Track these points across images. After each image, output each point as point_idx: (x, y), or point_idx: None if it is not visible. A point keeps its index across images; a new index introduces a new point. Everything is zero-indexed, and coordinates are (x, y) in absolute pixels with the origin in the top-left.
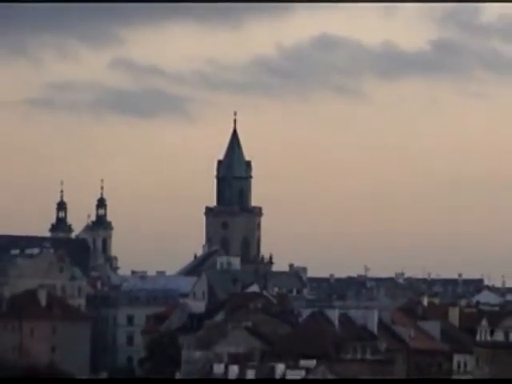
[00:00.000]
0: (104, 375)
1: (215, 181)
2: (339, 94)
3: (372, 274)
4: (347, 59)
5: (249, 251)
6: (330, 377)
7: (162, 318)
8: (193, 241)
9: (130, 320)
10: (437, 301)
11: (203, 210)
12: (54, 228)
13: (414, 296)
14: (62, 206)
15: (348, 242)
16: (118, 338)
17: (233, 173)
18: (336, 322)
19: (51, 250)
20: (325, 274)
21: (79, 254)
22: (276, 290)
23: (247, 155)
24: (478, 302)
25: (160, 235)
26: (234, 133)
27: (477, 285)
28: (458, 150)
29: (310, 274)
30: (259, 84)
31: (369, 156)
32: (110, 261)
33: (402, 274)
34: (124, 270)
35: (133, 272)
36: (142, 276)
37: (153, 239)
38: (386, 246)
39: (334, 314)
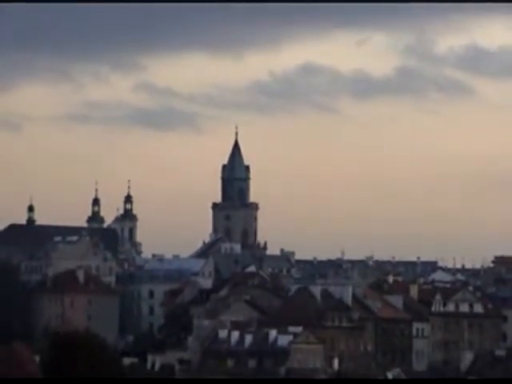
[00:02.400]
0: (130, 338)
1: (220, 181)
2: (320, 112)
3: (347, 257)
4: (326, 83)
5: (247, 239)
6: (312, 340)
7: (176, 292)
8: (202, 230)
9: (151, 294)
10: (400, 279)
11: (210, 205)
12: (89, 220)
13: (381, 275)
14: (96, 201)
15: (328, 231)
16: (141, 308)
17: (234, 175)
18: (318, 296)
19: (87, 238)
20: (309, 257)
21: (110, 240)
22: (269, 270)
23: (246, 160)
24: (433, 280)
25: (175, 225)
26: (236, 142)
27: (432, 266)
28: (416, 157)
29: (297, 257)
30: (255, 103)
31: (344, 161)
32: (135, 246)
33: (372, 257)
34: (146, 253)
35: (153, 255)
36: (161, 258)
37: (169, 228)
38: (358, 234)
39: (316, 290)
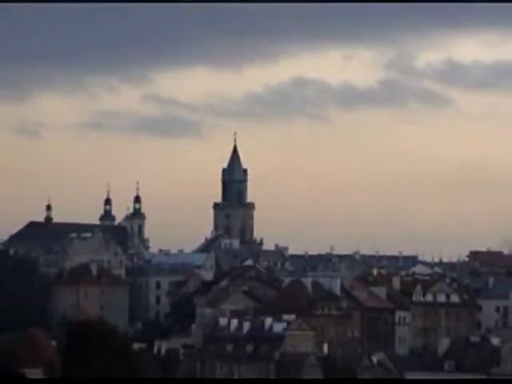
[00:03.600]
0: (139, 326)
1: (220, 183)
2: (311, 120)
3: (336, 252)
4: (316, 94)
5: (245, 235)
6: (304, 327)
7: (181, 284)
8: (204, 227)
9: (158, 286)
10: (383, 272)
11: (211, 205)
12: (102, 218)
13: (367, 268)
14: (108, 201)
15: (318, 228)
16: (149, 298)
17: (233, 177)
18: (309, 287)
19: (100, 234)
20: (301, 252)
21: (120, 237)
22: (265, 263)
23: (244, 164)
24: (413, 273)
25: (180, 223)
26: (234, 148)
27: (413, 260)
28: (397, 161)
29: (291, 251)
30: (252, 112)
31: (332, 165)
32: (143, 242)
33: (358, 251)
34: (153, 248)
35: (160, 250)
36: (167, 253)
37: (175, 226)
38: (346, 231)
39: (307, 282)
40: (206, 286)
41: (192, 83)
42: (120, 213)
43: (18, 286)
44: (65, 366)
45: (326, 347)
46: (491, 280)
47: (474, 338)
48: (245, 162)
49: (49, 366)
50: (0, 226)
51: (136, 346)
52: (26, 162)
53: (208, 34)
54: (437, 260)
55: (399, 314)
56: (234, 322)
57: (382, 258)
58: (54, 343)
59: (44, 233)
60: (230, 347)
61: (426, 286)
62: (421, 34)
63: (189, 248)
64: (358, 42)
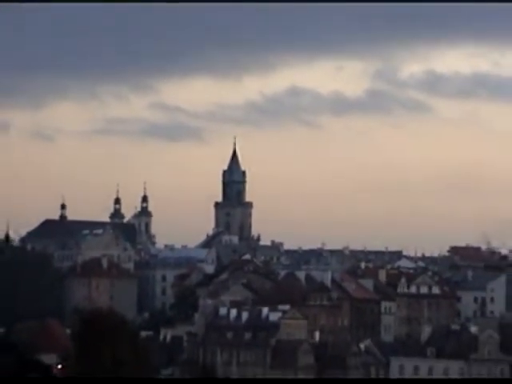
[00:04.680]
0: (146, 315)
1: (221, 184)
2: (304, 126)
3: (327, 247)
4: (309, 102)
5: (244, 232)
6: (298, 316)
7: (185, 277)
8: (206, 224)
9: (164, 278)
10: (370, 265)
11: (213, 204)
12: (112, 216)
13: (355, 262)
14: (117, 200)
15: (311, 225)
16: (156, 290)
17: (233, 178)
18: (303, 280)
19: (110, 231)
20: (295, 247)
21: (129, 233)
22: (262, 258)
23: (243, 166)
24: (398, 267)
25: (184, 220)
26: (234, 152)
27: (398, 255)
28: (384, 163)
29: (286, 247)
30: (250, 119)
31: (324, 167)
32: (150, 238)
33: (347, 247)
34: (159, 244)
35: (165, 245)
36: (172, 248)
37: (179, 223)
38: (336, 228)
39: (301, 275)
40: (208, 279)
41: (195, 92)
42: (129, 211)
43: (35, 279)
44: (78, 352)
45: (317, 335)
46: (470, 273)
47: (454, 327)
48: (243, 165)
49: (63, 352)
50: (18, 223)
51: (143, 333)
52: (42, 165)
53: (209, 46)
54: (420, 255)
55: (385, 304)
56: (234, 311)
57: (369, 252)
58: (67, 331)
59: (58, 230)
60: (229, 335)
61: (410, 278)
62: (405, 48)
63: (192, 243)
64: (347, 54)
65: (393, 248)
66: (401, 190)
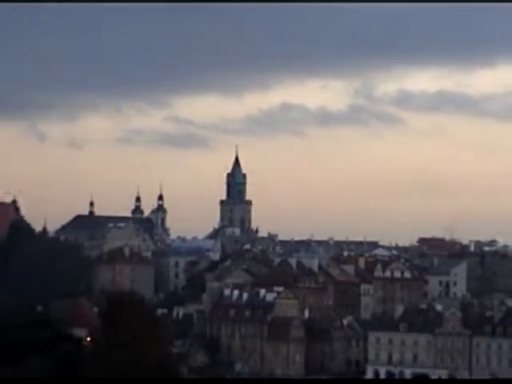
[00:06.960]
0: (161, 295)
1: (225, 185)
2: (295, 136)
3: (315, 238)
4: (298, 116)
5: (244, 225)
6: (290, 296)
7: (194, 263)
8: (212, 219)
9: (176, 265)
10: (352, 253)
11: (218, 202)
12: (133, 212)
13: (339, 251)
14: (138, 199)
15: (301, 220)
16: (170, 274)
17: (235, 180)
18: (294, 266)
19: (132, 225)
20: (288, 238)
21: (148, 227)
22: (260, 247)
23: (244, 170)
24: (375, 254)
25: (194, 215)
26: (236, 158)
27: (374, 244)
28: (363, 167)
29: (280, 238)
30: (250, 130)
31: (312, 170)
32: (165, 231)
33: (332, 238)
34: (173, 236)
35: (178, 237)
36: (183, 239)
37: (190, 218)
38: (323, 222)
39: (293, 261)
40: (214, 265)
41: (203, 107)
42: (147, 208)
43: (68, 266)
44: (104, 326)
45: (307, 312)
46: (436, 260)
47: (422, 306)
48: (244, 168)
49: (91, 327)
50: (53, 218)
51: (159, 311)
52: (72, 169)
53: (215, 69)
54: (394, 244)
55: (364, 286)
56: (236, 292)
57: (350, 243)
58: (95, 309)
59: (88, 223)
60: (232, 312)
61: (385, 264)
62: (381, 70)
63: (201, 235)
64: (331, 75)
65: (371, 239)
66: (378, 189)
